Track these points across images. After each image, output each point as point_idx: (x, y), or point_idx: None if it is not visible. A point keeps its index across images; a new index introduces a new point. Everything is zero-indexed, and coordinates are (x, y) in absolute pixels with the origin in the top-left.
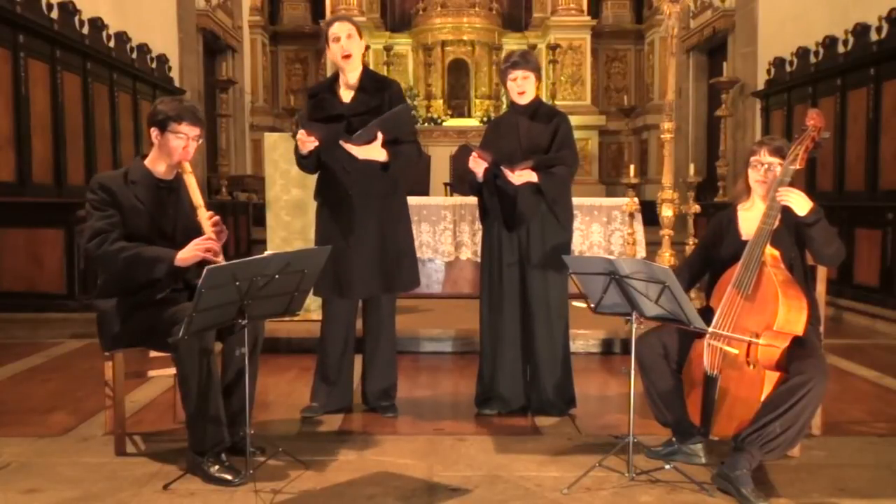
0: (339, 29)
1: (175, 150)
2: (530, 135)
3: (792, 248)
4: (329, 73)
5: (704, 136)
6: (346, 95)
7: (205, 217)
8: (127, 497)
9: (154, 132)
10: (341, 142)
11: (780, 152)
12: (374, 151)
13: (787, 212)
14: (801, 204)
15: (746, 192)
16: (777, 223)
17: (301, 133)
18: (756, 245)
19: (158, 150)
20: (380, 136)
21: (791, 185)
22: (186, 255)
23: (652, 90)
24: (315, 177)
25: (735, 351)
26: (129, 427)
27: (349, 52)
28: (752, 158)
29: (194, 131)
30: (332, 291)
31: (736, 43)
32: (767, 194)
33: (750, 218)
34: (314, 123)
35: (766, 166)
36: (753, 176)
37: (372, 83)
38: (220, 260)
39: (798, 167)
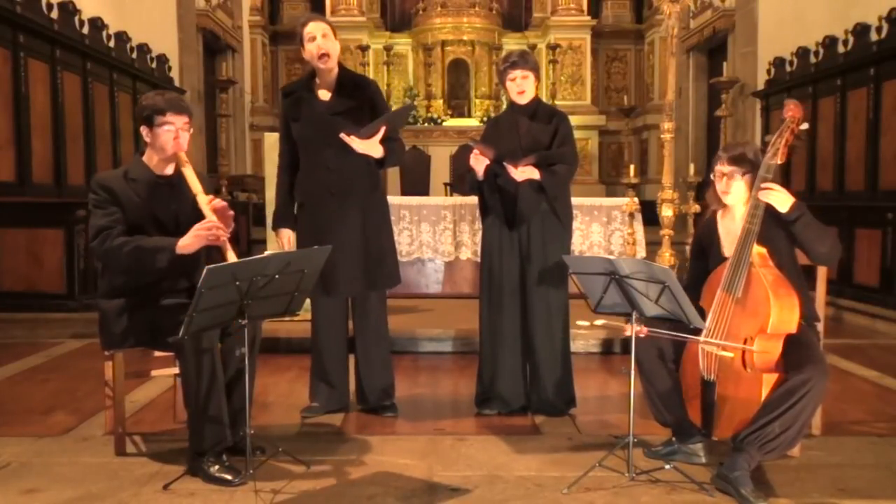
0: (314, 28)
1: (167, 143)
2: (530, 134)
3: (782, 243)
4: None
5: (704, 136)
6: (324, 95)
7: (204, 202)
8: (127, 497)
9: (144, 130)
10: (342, 134)
11: (740, 160)
12: (373, 147)
13: (773, 210)
14: (781, 200)
15: (717, 201)
16: (761, 222)
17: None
18: (743, 246)
19: (152, 147)
20: (381, 132)
21: (774, 181)
22: (187, 241)
23: (652, 90)
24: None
25: (730, 355)
26: (129, 427)
27: (326, 50)
28: (715, 168)
29: (181, 119)
30: (317, 290)
31: (736, 43)
32: (738, 201)
33: (729, 228)
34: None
35: (725, 177)
36: (717, 187)
37: (350, 83)
38: (225, 242)
39: (779, 162)
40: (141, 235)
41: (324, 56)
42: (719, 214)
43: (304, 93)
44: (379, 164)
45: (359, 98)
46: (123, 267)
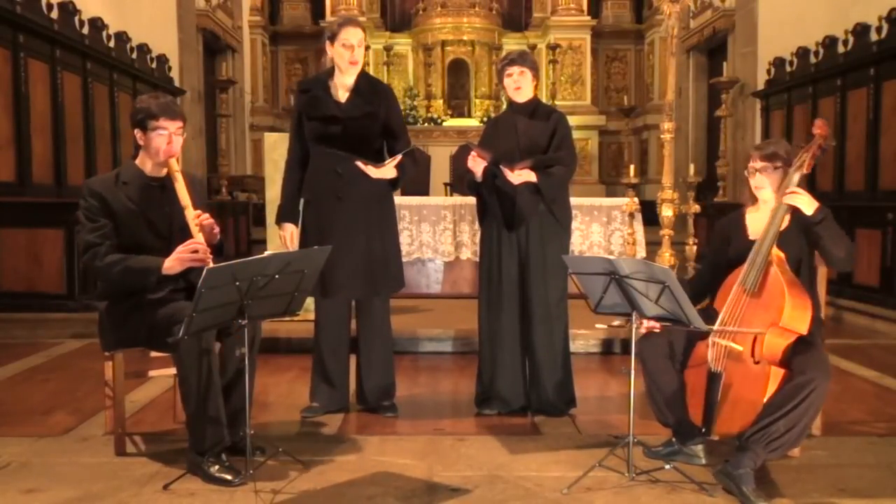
0: (353, 35)
1: (160, 147)
2: (529, 133)
3: (801, 251)
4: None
5: (704, 136)
6: (342, 96)
7: (191, 217)
8: (127, 497)
9: (137, 133)
10: (358, 163)
11: (772, 157)
12: (387, 172)
13: (797, 215)
14: (807, 203)
15: (752, 198)
16: (785, 224)
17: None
18: (763, 244)
19: (145, 151)
20: (397, 160)
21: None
22: (171, 263)
23: (652, 90)
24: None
25: (740, 348)
26: (129, 427)
27: (359, 60)
28: (749, 165)
29: (174, 125)
30: (319, 291)
31: (736, 43)
32: (772, 196)
33: (757, 218)
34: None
35: (758, 173)
36: (752, 183)
37: (367, 86)
38: (209, 263)
39: (805, 172)
40: (129, 254)
41: (355, 64)
42: (747, 209)
43: (319, 91)
44: (392, 185)
45: (375, 103)
46: (114, 284)
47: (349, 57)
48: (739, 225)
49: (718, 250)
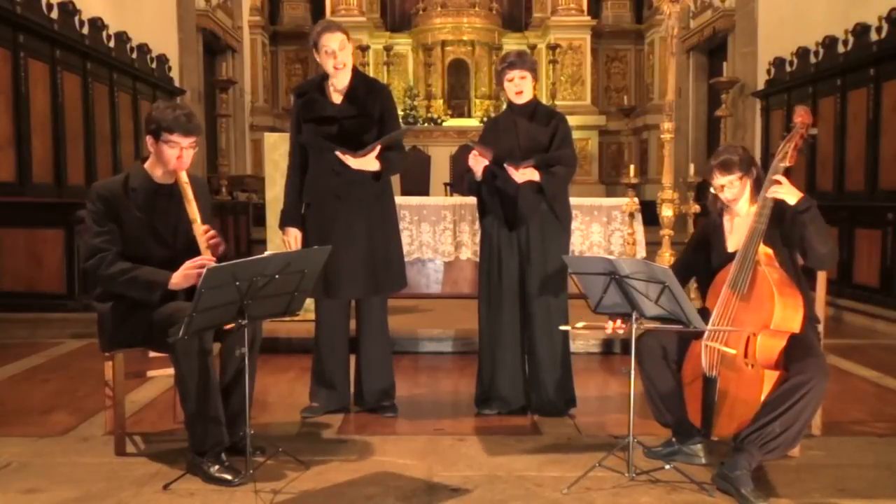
0: (332, 41)
1: (170, 160)
2: (529, 134)
3: (782, 247)
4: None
5: (704, 136)
6: (337, 98)
7: (200, 232)
8: (127, 497)
9: (149, 139)
10: (337, 153)
11: (726, 167)
12: (368, 163)
13: (776, 211)
14: (791, 192)
15: (717, 209)
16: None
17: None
18: (749, 244)
19: (155, 157)
20: (377, 150)
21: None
22: (179, 279)
23: (652, 90)
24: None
25: (733, 351)
26: (129, 427)
27: (344, 62)
28: (712, 183)
29: (187, 141)
30: (321, 292)
31: (736, 43)
32: (747, 205)
33: (736, 224)
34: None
35: (724, 187)
36: (722, 197)
37: (363, 86)
38: None
39: (788, 164)
40: (136, 264)
41: (339, 68)
42: (724, 214)
43: (315, 94)
44: (376, 178)
45: (370, 103)
46: (116, 292)
47: (333, 63)
48: (718, 231)
49: (695, 249)
